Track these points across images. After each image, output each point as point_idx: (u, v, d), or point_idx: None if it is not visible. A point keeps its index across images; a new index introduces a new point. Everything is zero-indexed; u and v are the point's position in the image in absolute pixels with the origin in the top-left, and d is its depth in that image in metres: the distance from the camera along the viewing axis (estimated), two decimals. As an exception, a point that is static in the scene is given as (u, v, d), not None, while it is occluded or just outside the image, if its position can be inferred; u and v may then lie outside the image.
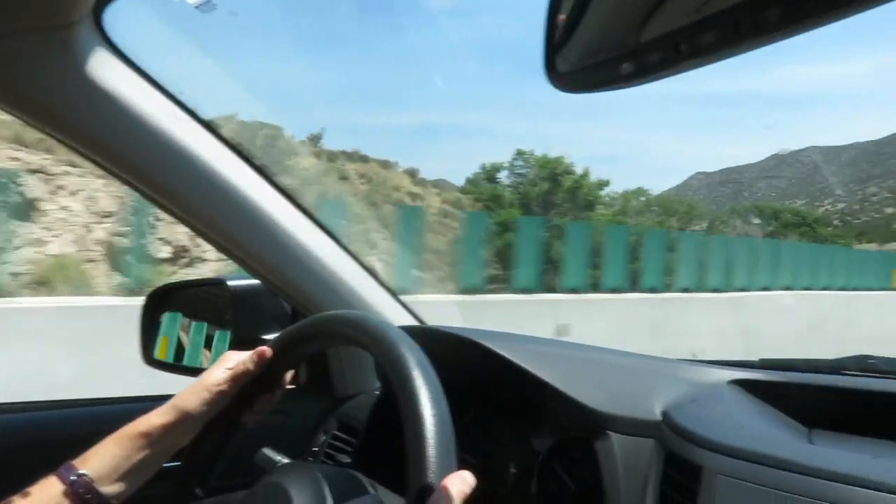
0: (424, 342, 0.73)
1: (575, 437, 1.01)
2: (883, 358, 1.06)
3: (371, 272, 1.32)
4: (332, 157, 19.18)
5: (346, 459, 1.23)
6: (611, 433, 0.92)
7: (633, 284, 11.21)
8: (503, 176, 23.14)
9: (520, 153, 22.93)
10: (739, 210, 42.54)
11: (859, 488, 0.67)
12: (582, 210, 20.41)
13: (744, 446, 0.79)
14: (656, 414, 0.94)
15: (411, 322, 1.38)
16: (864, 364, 1.04)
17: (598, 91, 0.54)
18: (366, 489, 0.72)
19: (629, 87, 0.52)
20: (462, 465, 0.60)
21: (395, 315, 1.34)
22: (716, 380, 1.05)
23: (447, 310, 6.56)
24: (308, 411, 1.39)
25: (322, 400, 1.40)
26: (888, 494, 0.65)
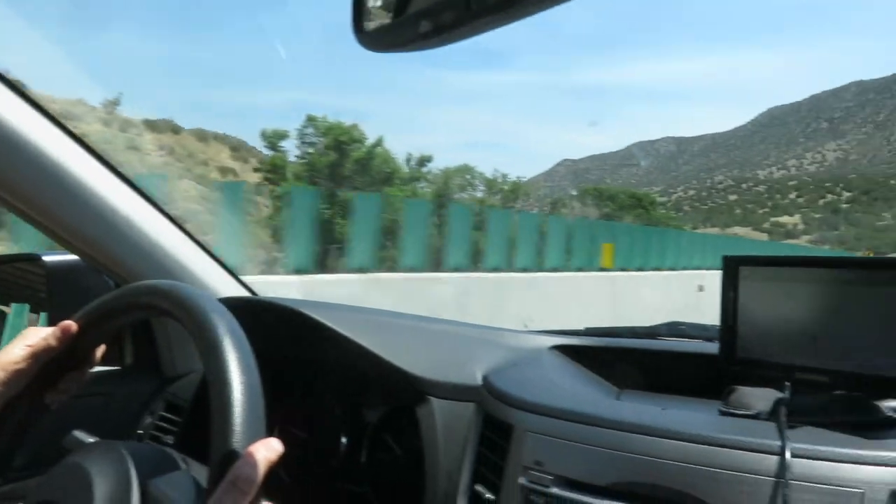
0: (247, 313, 0.70)
1: (403, 405, 1.02)
2: (691, 323, 1.16)
3: (199, 244, 1.24)
4: (124, 125, 17.18)
5: (171, 440, 1.16)
6: (432, 398, 0.94)
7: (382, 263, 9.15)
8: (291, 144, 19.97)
9: (310, 119, 19.50)
10: (580, 193, 44.09)
11: (650, 437, 0.73)
12: (379, 184, 18.13)
13: (553, 405, 0.83)
14: (477, 379, 0.97)
15: (244, 294, 1.33)
16: (675, 329, 1.13)
17: (402, 51, 0.54)
18: (177, 465, 0.68)
19: (430, 47, 0.52)
20: (291, 440, 0.59)
21: (225, 287, 1.28)
22: (538, 346, 1.10)
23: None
24: (133, 393, 1.31)
25: (149, 380, 1.32)
26: (675, 441, 0.71)
